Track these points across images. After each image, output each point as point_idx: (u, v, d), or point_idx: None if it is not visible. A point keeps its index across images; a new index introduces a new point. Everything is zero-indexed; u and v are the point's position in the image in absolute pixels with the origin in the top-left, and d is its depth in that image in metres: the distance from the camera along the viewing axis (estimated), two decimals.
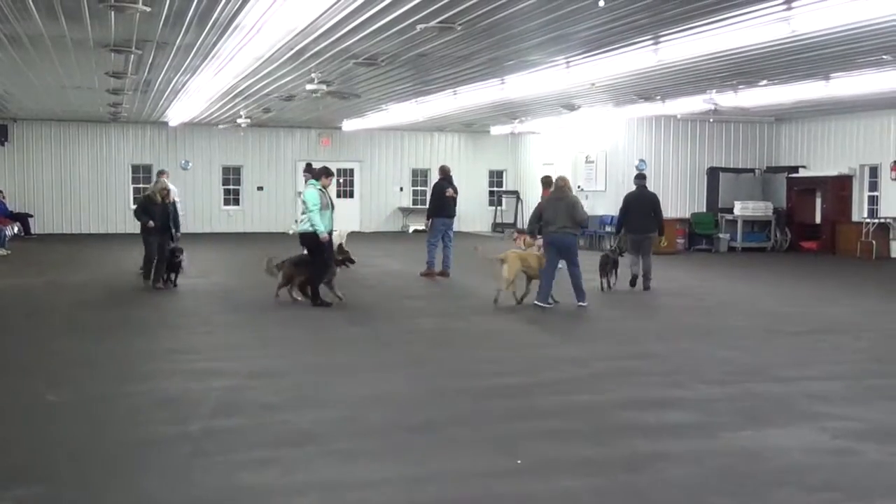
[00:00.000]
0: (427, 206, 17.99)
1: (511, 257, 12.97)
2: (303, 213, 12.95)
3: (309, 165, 20.00)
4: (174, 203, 15.29)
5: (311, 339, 10.68)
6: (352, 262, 13.53)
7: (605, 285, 14.85)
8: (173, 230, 14.87)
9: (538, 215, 13.27)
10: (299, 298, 13.04)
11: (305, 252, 13.14)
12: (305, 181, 19.25)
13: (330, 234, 12.78)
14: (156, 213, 14.69)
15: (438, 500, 5.14)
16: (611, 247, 14.53)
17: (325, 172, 13.12)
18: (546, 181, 19.64)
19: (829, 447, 6.22)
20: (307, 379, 8.34)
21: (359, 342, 10.42)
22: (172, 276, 14.76)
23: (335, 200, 13.62)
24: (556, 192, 13.22)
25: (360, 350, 9.90)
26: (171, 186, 16.18)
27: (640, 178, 16.07)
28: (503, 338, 10.84)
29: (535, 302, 12.75)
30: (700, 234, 24.48)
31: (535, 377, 8.43)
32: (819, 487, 5.39)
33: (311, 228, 12.63)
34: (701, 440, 6.34)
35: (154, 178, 16.93)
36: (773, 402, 7.44)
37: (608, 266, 14.86)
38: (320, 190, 12.79)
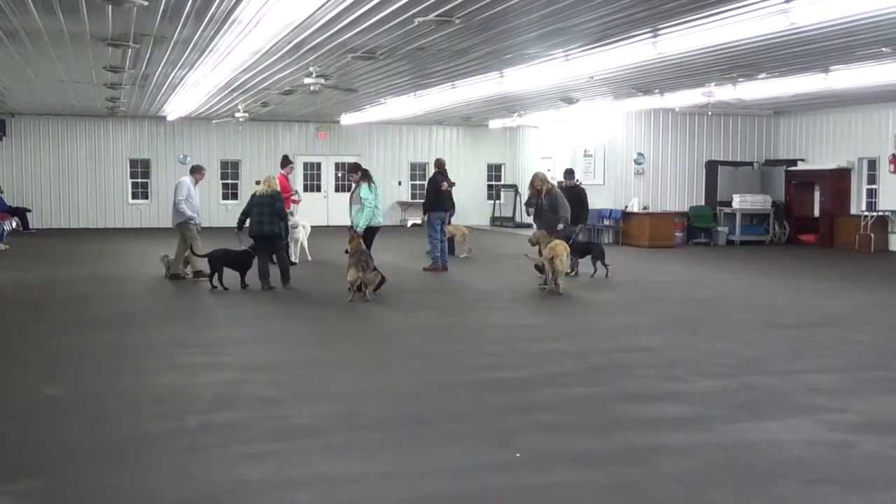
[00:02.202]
0: (424, 200, 18.03)
1: (559, 249, 13.42)
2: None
3: (286, 158, 19.60)
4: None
5: (309, 333, 10.69)
6: None
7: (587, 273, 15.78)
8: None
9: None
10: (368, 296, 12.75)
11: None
12: (289, 172, 18.86)
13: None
14: None
15: (437, 494, 5.15)
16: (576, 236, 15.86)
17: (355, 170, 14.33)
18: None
19: (827, 440, 6.23)
20: (306, 373, 8.35)
21: (357, 336, 10.43)
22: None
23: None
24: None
25: (359, 344, 9.91)
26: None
27: (571, 174, 17.19)
28: (501, 331, 10.85)
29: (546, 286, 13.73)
30: (698, 228, 24.47)
31: (534, 371, 8.43)
32: (817, 480, 5.40)
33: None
34: (699, 433, 6.35)
35: (188, 171, 15.87)
36: (771, 395, 7.45)
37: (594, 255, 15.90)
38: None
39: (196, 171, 15.93)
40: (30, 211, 27.51)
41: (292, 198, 19.05)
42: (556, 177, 28.08)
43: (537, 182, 14.17)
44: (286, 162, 18.94)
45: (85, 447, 5.99)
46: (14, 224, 25.16)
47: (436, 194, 17.14)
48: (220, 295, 13.50)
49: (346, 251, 13.30)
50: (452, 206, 17.66)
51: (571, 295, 13.45)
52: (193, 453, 5.82)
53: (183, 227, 15.12)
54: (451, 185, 17.46)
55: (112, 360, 8.78)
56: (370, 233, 14.11)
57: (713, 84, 17.70)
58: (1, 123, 27.46)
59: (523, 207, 30.72)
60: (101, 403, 7.16)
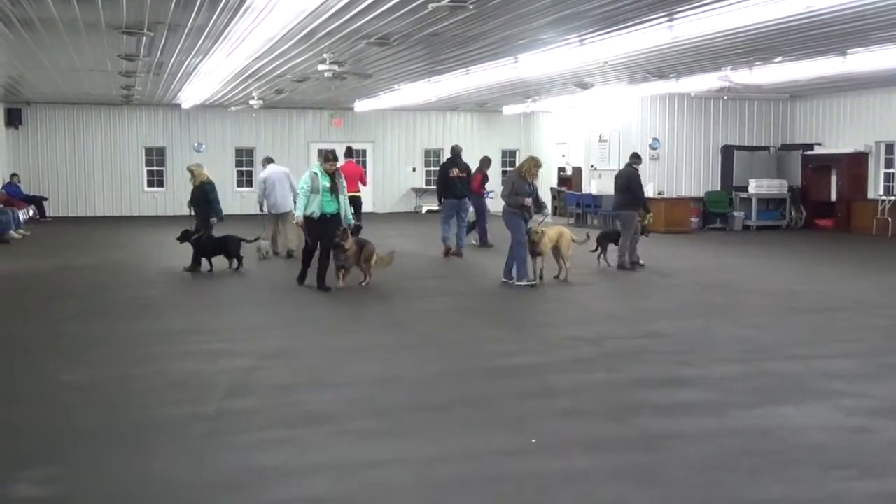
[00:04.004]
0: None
1: (568, 237, 13.47)
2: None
3: (349, 149, 20.04)
4: (201, 185, 15.07)
5: (324, 319, 10.71)
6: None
7: (601, 262, 15.21)
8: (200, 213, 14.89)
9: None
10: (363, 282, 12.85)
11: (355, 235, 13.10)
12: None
13: (326, 216, 12.40)
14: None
15: (453, 479, 5.15)
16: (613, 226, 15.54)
17: (325, 157, 12.80)
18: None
19: (844, 425, 6.20)
20: (321, 359, 8.36)
21: (372, 322, 10.44)
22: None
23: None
24: None
25: (374, 330, 9.91)
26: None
27: (632, 157, 16.13)
28: (516, 317, 10.84)
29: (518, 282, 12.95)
30: (714, 213, 24.36)
31: (549, 357, 8.43)
32: (834, 465, 5.37)
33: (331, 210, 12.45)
34: (715, 419, 6.33)
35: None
36: (788, 381, 7.42)
37: (604, 243, 15.33)
38: (314, 173, 12.47)
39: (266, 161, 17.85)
40: (46, 199, 27.62)
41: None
42: (570, 162, 28.16)
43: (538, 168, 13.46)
44: (351, 152, 20.00)
45: (101, 434, 6.02)
46: (31, 212, 25.28)
47: (443, 181, 17.21)
48: (232, 282, 13.56)
49: (344, 249, 12.60)
50: (464, 192, 17.27)
51: (574, 282, 13.41)
52: (209, 440, 5.85)
53: (288, 216, 16.14)
54: (463, 171, 17.21)
55: (128, 348, 8.83)
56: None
57: (729, 68, 17.58)
58: (17, 112, 27.57)
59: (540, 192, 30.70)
60: (118, 390, 7.20)
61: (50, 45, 15.28)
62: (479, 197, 18.37)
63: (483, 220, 18.53)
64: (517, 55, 15.94)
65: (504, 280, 13.09)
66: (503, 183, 13.27)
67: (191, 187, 15.48)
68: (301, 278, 12.84)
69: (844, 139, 23.49)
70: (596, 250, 15.23)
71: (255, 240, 15.44)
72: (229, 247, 14.51)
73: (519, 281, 12.81)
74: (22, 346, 9.04)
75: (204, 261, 14.36)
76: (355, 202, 17.63)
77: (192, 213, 15.19)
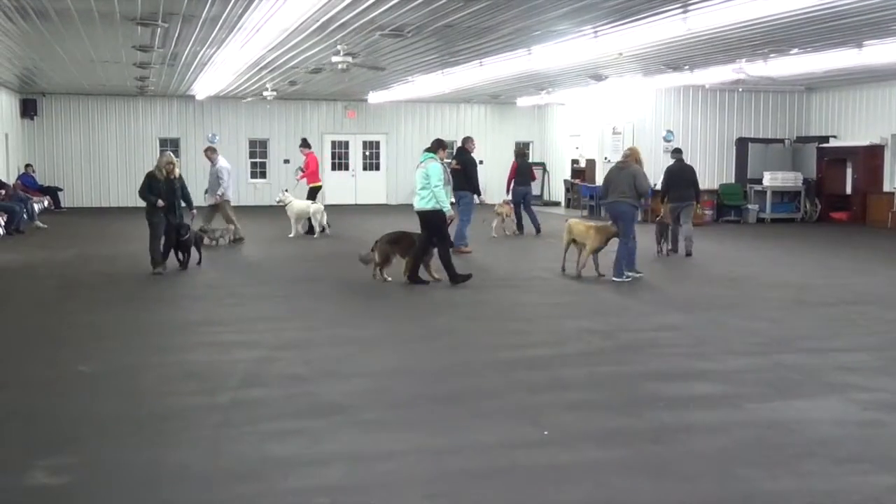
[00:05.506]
0: None
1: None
2: (422, 188, 12.13)
3: (305, 140, 21.14)
4: (180, 178, 13.95)
5: (338, 311, 10.73)
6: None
7: (662, 252, 15.92)
8: (181, 208, 13.70)
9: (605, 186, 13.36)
10: (389, 279, 12.50)
11: (400, 230, 12.88)
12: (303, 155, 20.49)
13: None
14: (161, 190, 13.51)
15: (465, 471, 5.16)
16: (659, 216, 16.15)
17: (441, 145, 12.38)
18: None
19: (857, 419, 6.18)
20: (334, 350, 8.39)
21: (386, 314, 10.45)
22: (182, 256, 13.89)
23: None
24: (620, 162, 13.37)
25: (387, 322, 9.93)
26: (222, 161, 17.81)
27: (678, 151, 17.06)
28: (529, 310, 10.83)
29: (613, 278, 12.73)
30: (729, 205, 24.27)
31: (561, 349, 8.43)
32: (847, 459, 5.36)
33: (434, 206, 11.97)
34: (728, 412, 6.32)
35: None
36: (802, 374, 7.40)
37: (663, 233, 16.04)
38: (442, 164, 12.00)
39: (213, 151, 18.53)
40: (61, 190, 27.72)
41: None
42: (584, 154, 28.10)
43: None
44: (306, 143, 21.36)
45: (116, 423, 6.06)
46: (46, 203, 25.40)
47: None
48: (247, 274, 13.59)
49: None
50: (453, 182, 16.90)
51: (586, 275, 13.38)
52: (223, 430, 5.88)
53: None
54: (458, 164, 16.88)
55: (143, 338, 8.88)
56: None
57: (744, 60, 17.50)
58: (32, 103, 27.69)
59: (551, 184, 30.63)
60: (133, 380, 7.24)
61: (65, 37, 15.32)
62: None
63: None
64: (531, 47, 15.89)
65: (617, 279, 12.61)
66: (635, 177, 12.64)
67: (150, 178, 13.63)
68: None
69: (860, 132, 23.34)
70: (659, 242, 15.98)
71: (207, 227, 15.19)
72: (198, 241, 14.28)
73: (630, 271, 12.74)
74: (38, 335, 9.10)
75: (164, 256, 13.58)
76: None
77: (173, 206, 13.51)
